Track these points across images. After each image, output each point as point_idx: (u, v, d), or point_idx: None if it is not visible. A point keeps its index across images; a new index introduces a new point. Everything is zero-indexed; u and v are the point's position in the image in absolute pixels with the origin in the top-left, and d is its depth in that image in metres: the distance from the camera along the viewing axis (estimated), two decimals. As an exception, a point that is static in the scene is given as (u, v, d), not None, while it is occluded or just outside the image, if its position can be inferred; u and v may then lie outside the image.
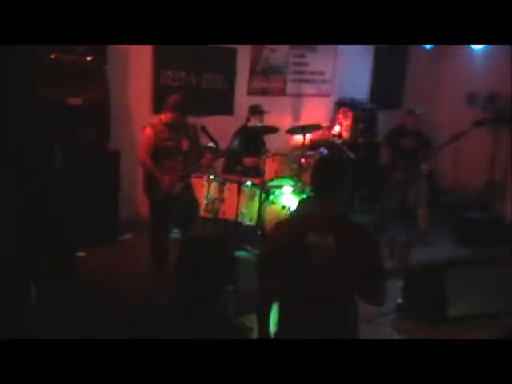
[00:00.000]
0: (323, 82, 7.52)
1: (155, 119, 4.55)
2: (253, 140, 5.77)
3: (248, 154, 5.66)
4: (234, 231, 5.20)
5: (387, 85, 7.95)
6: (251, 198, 5.54)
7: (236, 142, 5.66)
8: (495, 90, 7.07)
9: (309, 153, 6.00)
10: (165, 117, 4.46)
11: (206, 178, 5.46)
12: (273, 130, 5.91)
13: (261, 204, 5.55)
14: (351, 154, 6.23)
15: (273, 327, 2.47)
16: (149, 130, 4.41)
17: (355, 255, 2.26)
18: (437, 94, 7.95)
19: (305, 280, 2.31)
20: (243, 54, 6.68)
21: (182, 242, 2.05)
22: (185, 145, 4.52)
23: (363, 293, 2.35)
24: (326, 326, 2.30)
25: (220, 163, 5.79)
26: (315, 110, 7.36)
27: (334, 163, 2.42)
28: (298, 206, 5.43)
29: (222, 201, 5.43)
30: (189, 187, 4.72)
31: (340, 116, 7.47)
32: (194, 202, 4.87)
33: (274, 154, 5.77)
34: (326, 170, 2.39)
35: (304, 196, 5.56)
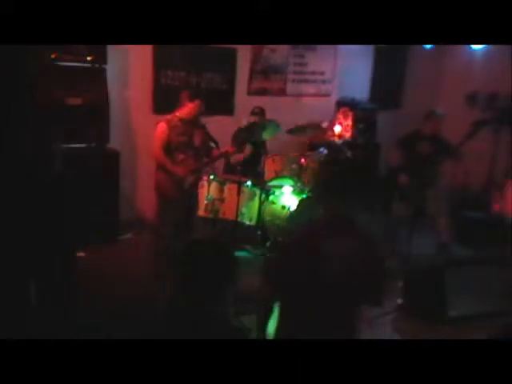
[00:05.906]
0: (323, 81, 7.53)
1: (170, 115, 4.62)
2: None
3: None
4: (234, 231, 5.20)
5: (387, 85, 7.95)
6: (251, 197, 5.54)
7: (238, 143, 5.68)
8: (495, 90, 7.07)
9: (309, 153, 6.00)
10: (180, 113, 4.57)
11: (206, 178, 5.46)
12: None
13: (261, 204, 5.55)
14: (350, 154, 6.23)
15: (271, 328, 2.47)
16: (163, 125, 4.50)
17: (362, 257, 2.29)
18: (437, 94, 7.94)
19: (315, 283, 2.31)
20: (243, 54, 6.68)
21: (182, 243, 2.06)
22: (197, 140, 4.65)
23: (366, 294, 2.36)
24: (330, 327, 2.31)
25: (220, 163, 5.79)
26: (315, 110, 7.36)
27: (342, 164, 2.46)
28: (297, 205, 5.43)
29: (222, 201, 5.43)
30: (196, 185, 4.81)
31: (340, 116, 7.46)
32: (196, 203, 4.94)
33: (274, 154, 5.78)
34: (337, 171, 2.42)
35: (304, 196, 5.56)
